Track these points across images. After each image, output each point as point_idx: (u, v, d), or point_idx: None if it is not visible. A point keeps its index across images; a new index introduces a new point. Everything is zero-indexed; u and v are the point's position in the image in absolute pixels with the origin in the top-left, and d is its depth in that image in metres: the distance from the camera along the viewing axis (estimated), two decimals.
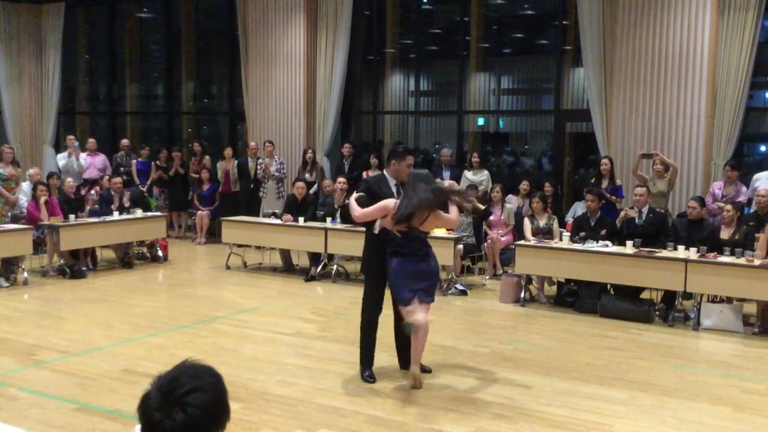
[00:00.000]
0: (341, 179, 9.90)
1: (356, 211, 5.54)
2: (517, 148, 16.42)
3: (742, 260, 7.23)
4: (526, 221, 9.01)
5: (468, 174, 10.81)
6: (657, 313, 7.79)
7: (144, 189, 12.34)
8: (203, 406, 1.76)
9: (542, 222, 8.94)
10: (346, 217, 5.77)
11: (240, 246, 10.50)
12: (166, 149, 13.18)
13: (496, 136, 16.54)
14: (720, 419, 5.00)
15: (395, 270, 5.48)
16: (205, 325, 7.27)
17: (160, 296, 8.91)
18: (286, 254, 10.20)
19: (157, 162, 12.79)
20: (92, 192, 11.20)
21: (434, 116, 15.71)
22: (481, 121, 14.85)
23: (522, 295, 8.37)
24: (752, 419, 5.01)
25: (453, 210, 5.57)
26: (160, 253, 10.60)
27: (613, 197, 9.26)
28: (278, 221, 9.90)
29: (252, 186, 11.86)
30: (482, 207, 9.69)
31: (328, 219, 9.58)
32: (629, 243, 7.92)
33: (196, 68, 15.84)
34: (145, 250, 10.84)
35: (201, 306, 8.15)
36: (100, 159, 12.66)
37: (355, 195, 5.79)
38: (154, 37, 16.80)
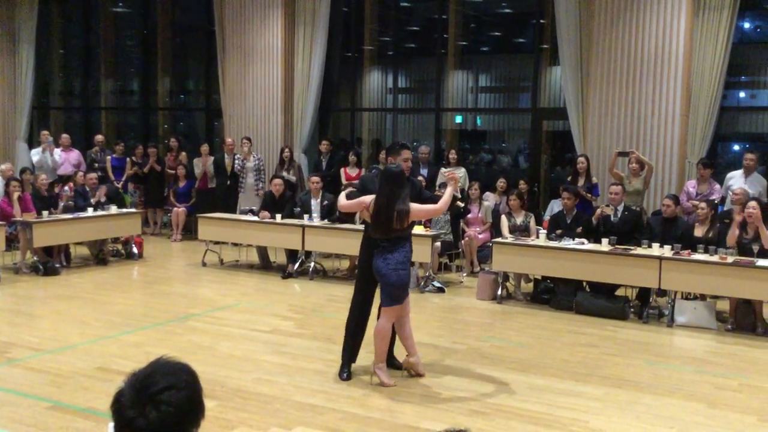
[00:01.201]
0: (315, 178, 9.87)
1: (341, 200, 5.74)
2: (495, 146, 16.49)
3: (715, 258, 7.32)
4: (504, 219, 9.04)
5: (444, 171, 10.81)
6: (632, 310, 7.86)
7: (119, 185, 12.21)
8: (177, 404, 1.74)
9: (519, 219, 8.98)
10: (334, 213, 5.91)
11: (216, 243, 10.43)
12: (141, 145, 13.06)
13: (474, 133, 16.59)
14: (693, 415, 5.05)
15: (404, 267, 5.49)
16: (180, 323, 7.21)
17: (135, 293, 8.83)
18: (263, 251, 10.15)
19: (133, 158, 12.67)
20: (66, 188, 11.06)
21: (412, 114, 15.72)
22: (458, 119, 14.89)
23: (499, 292, 8.41)
24: (725, 415, 5.07)
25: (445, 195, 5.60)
26: (135, 250, 10.49)
27: (589, 195, 9.33)
28: (255, 218, 9.84)
29: (228, 183, 11.78)
30: (461, 205, 9.70)
31: (306, 216, 9.55)
32: (605, 240, 7.98)
33: (173, 64, 15.70)
34: (119, 246, 10.72)
35: (176, 303, 8.08)
36: (75, 155, 12.51)
37: (348, 189, 5.98)
38: (130, 32, 16.61)
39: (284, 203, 9.92)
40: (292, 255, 9.63)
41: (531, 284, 8.85)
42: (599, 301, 7.87)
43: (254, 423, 4.75)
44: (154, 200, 12.69)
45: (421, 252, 8.29)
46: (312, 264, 9.56)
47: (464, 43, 14.37)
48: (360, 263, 5.86)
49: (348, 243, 9.18)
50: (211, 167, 12.08)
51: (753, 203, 7.55)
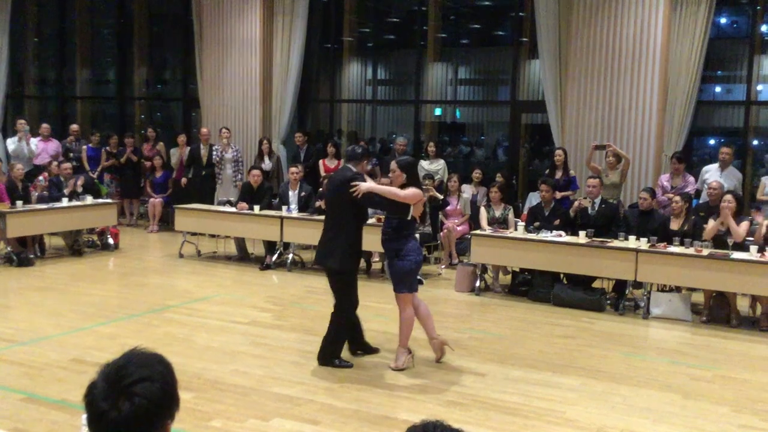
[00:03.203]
0: (294, 169, 9.82)
1: (402, 193, 5.58)
2: (474, 139, 16.52)
3: (690, 250, 7.39)
4: (482, 211, 9.07)
5: (424, 163, 10.83)
6: (608, 301, 7.93)
7: (94, 176, 12.07)
8: (151, 396, 1.71)
9: (498, 212, 9.01)
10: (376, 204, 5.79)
11: (194, 234, 10.35)
12: (117, 135, 12.91)
13: (453, 126, 16.61)
14: (668, 405, 5.10)
15: (417, 253, 5.64)
16: (157, 314, 7.15)
17: (111, 285, 8.74)
18: (241, 243, 10.09)
19: (108, 148, 12.53)
20: (41, 178, 10.90)
21: (391, 105, 15.69)
22: (438, 111, 14.89)
23: (477, 284, 8.44)
24: (699, 405, 5.13)
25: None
26: (110, 240, 10.39)
27: (567, 192, 9.36)
28: (233, 209, 9.78)
29: (204, 173, 11.69)
30: (440, 196, 9.73)
31: (284, 207, 9.51)
32: (582, 233, 8.03)
33: (149, 53, 15.52)
34: (95, 237, 10.61)
35: (153, 295, 8.01)
36: (54, 145, 12.31)
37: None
38: (106, 20, 16.40)
39: (262, 194, 9.86)
40: (270, 246, 9.58)
41: (509, 276, 8.89)
42: (576, 293, 7.92)
43: (231, 415, 4.73)
44: (131, 191, 12.57)
45: None
46: (290, 255, 9.52)
47: (444, 35, 14.36)
48: (352, 258, 5.84)
49: None
50: (187, 157, 11.98)
51: (728, 197, 7.63)
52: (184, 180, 11.78)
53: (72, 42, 15.90)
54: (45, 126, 12.46)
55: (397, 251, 5.57)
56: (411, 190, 5.55)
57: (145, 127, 13.76)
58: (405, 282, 5.60)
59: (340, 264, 5.68)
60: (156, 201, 11.98)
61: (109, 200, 10.94)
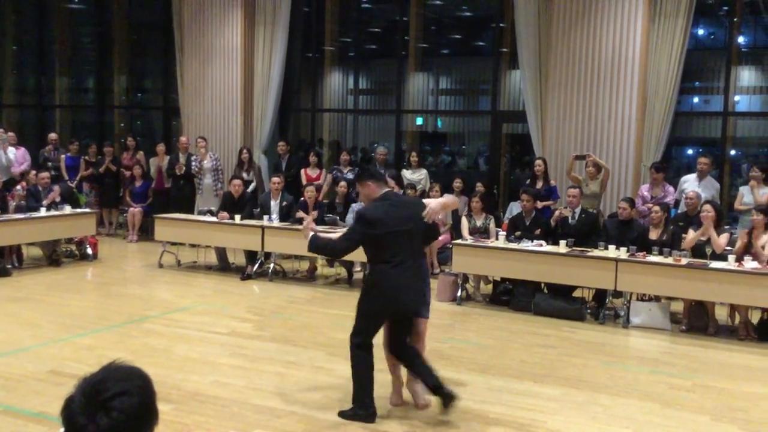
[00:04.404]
0: (275, 179, 9.79)
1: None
2: (455, 148, 16.58)
3: (669, 260, 7.45)
4: (464, 220, 9.09)
5: (406, 173, 10.85)
6: (588, 311, 7.96)
7: (73, 185, 11.96)
8: (129, 411, 1.70)
9: (479, 221, 9.03)
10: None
11: (174, 244, 10.28)
12: (96, 144, 12.81)
13: (435, 135, 16.67)
14: (648, 415, 5.13)
15: None
16: (136, 325, 7.08)
17: (89, 295, 8.65)
18: (221, 252, 10.03)
19: (86, 157, 12.42)
20: (18, 187, 10.78)
21: (373, 115, 15.71)
22: (419, 121, 14.93)
23: (459, 293, 8.44)
24: (679, 415, 5.16)
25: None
26: (89, 250, 10.28)
27: (548, 202, 9.40)
28: (214, 219, 9.73)
29: (182, 183, 11.61)
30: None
31: (265, 217, 9.47)
32: (563, 242, 8.07)
33: (129, 61, 15.44)
34: (73, 247, 10.50)
35: (132, 305, 7.93)
36: (20, 153, 12.11)
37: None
38: (85, 28, 16.30)
39: (243, 204, 9.82)
40: (251, 256, 9.53)
41: (490, 286, 8.90)
42: (557, 302, 7.95)
43: (211, 427, 4.69)
44: (110, 200, 12.46)
45: None
46: (272, 265, 9.48)
47: (425, 45, 14.42)
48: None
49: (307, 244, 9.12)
50: (166, 167, 11.91)
51: (707, 206, 7.71)
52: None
53: (51, 50, 15.78)
54: (10, 134, 12.19)
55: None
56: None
57: (125, 136, 13.66)
58: None
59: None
60: (135, 210, 11.89)
61: (87, 210, 10.83)
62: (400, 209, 4.85)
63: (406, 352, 4.94)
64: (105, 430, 1.67)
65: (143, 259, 10.54)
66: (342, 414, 4.86)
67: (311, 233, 4.92)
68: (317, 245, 4.92)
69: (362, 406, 4.83)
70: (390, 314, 4.85)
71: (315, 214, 9.11)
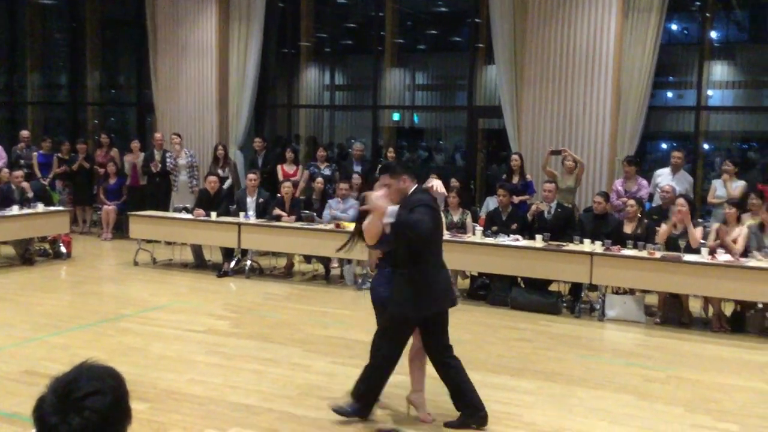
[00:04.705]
0: (251, 176, 9.74)
1: None
2: (432, 143, 16.60)
3: (644, 253, 7.52)
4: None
5: None
6: (564, 304, 8.03)
7: (46, 182, 11.81)
8: (101, 410, 1.68)
9: (456, 217, 9.05)
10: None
11: (149, 241, 10.19)
12: (69, 141, 12.66)
13: (411, 131, 16.68)
14: (623, 407, 5.18)
15: None
16: (111, 324, 7.01)
17: (63, 294, 8.55)
18: (197, 250, 9.96)
19: (59, 154, 12.27)
20: None
21: (349, 111, 15.69)
22: (396, 117, 14.93)
23: None
24: (654, 406, 5.21)
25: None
26: (63, 249, 10.16)
27: (524, 197, 9.45)
28: (189, 216, 9.65)
29: (157, 180, 11.51)
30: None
31: (242, 213, 9.42)
32: (539, 237, 8.12)
33: (102, 57, 15.25)
34: (47, 246, 10.36)
35: (107, 304, 7.86)
36: None
37: None
38: (58, 24, 16.07)
39: (219, 201, 9.76)
40: (227, 253, 9.49)
41: (467, 280, 8.94)
42: (533, 296, 8.01)
43: (188, 425, 4.65)
44: (83, 198, 12.32)
45: (359, 249, 8.25)
46: (248, 262, 9.43)
47: (401, 40, 14.41)
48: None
49: (285, 241, 9.11)
50: (141, 164, 11.80)
51: (681, 200, 7.80)
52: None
53: (23, 46, 15.54)
54: None
55: None
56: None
57: (99, 133, 13.51)
58: None
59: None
60: (109, 208, 11.77)
61: (61, 208, 10.72)
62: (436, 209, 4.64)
63: (452, 356, 4.79)
64: (77, 429, 1.65)
65: (118, 257, 10.43)
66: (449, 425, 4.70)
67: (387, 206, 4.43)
68: (403, 219, 4.39)
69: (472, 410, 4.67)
70: (437, 313, 4.67)
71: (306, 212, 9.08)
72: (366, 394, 4.75)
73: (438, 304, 4.65)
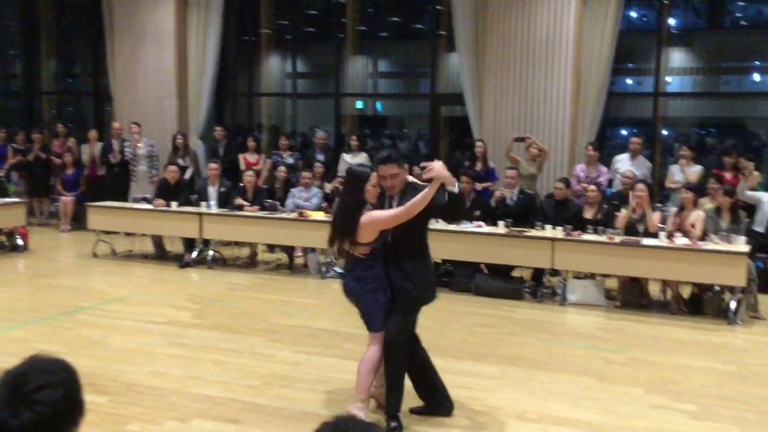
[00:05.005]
0: (213, 165, 9.63)
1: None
2: (395, 131, 16.60)
3: (603, 238, 7.62)
4: None
5: (346, 157, 10.79)
6: (527, 290, 8.10)
7: (1, 174, 11.54)
8: (53, 404, 1.66)
9: None
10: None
11: (108, 233, 10.02)
12: (24, 131, 12.37)
13: (374, 119, 16.65)
14: (584, 389, 5.25)
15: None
16: (69, 317, 6.89)
17: (20, 287, 8.37)
18: (158, 240, 9.83)
19: (14, 145, 11.99)
20: None
21: (312, 99, 15.59)
22: (359, 104, 14.89)
23: None
24: (614, 388, 5.30)
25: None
26: (19, 241, 9.94)
27: (487, 183, 9.49)
28: (149, 206, 9.51)
29: (116, 170, 11.32)
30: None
31: (203, 203, 9.31)
32: (501, 223, 8.18)
33: (58, 46, 14.91)
34: (3, 238, 10.13)
35: (65, 297, 7.72)
36: None
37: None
38: (10, 11, 15.66)
39: (180, 190, 9.63)
40: (189, 244, 9.38)
41: None
42: (496, 282, 8.07)
43: (149, 417, 4.60)
44: (40, 189, 12.05)
45: (322, 238, 8.23)
46: (211, 252, 9.34)
47: (363, 28, 14.35)
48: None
49: (247, 230, 9.04)
50: (99, 154, 11.59)
51: (641, 185, 7.91)
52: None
53: None
54: None
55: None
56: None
57: (55, 122, 13.23)
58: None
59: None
60: (67, 199, 11.54)
61: (17, 199, 10.48)
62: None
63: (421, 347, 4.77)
64: (28, 424, 1.64)
65: (77, 249, 10.25)
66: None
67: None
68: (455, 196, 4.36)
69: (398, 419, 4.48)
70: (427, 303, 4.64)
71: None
72: (398, 403, 4.51)
73: (432, 291, 4.68)
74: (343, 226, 4.39)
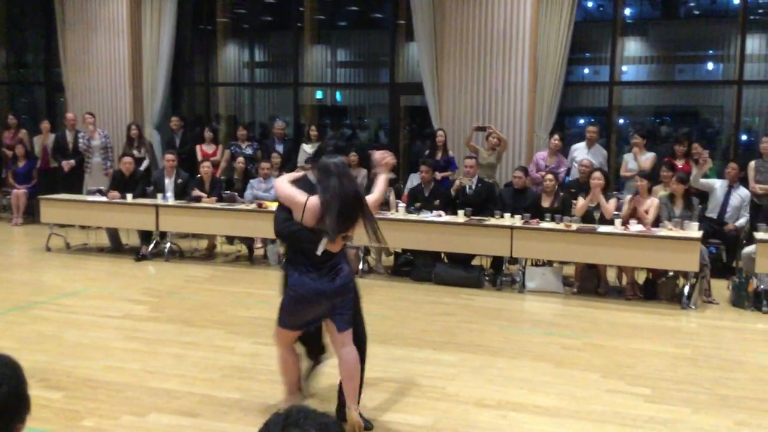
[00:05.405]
0: (169, 156, 9.49)
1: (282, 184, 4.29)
2: (356, 121, 16.53)
3: (561, 226, 7.71)
4: None
5: (306, 147, 10.72)
6: (487, 278, 8.16)
7: None
8: None
9: None
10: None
11: (62, 226, 9.81)
12: None
13: (334, 109, 16.55)
14: (542, 375, 5.31)
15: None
16: (22, 312, 6.74)
17: None
18: (113, 233, 9.66)
19: None
20: None
21: (270, 89, 15.43)
22: (319, 94, 14.78)
23: (360, 266, 8.46)
24: (570, 373, 5.37)
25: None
26: None
27: (447, 173, 9.52)
28: (104, 199, 9.34)
29: (73, 161, 11.08)
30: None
31: (159, 195, 9.17)
32: (461, 212, 8.21)
33: (7, 35, 14.50)
34: None
35: (18, 291, 7.54)
36: None
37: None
38: None
39: (135, 182, 9.47)
40: (145, 236, 9.23)
41: (392, 257, 8.97)
42: (456, 271, 8.11)
43: (104, 412, 4.52)
44: None
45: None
46: (168, 245, 9.21)
47: (321, 17, 14.24)
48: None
49: (206, 222, 8.93)
50: (51, 145, 11.34)
51: (597, 173, 8.01)
52: (70, 162, 11.00)
53: None
54: None
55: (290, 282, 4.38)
56: (288, 190, 4.23)
57: (6, 113, 12.88)
58: (281, 317, 4.41)
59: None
60: (19, 192, 11.28)
61: None
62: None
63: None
64: None
65: (29, 243, 10.03)
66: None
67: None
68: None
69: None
70: None
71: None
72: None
73: None
74: (360, 215, 4.14)
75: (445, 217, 8.26)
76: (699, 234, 7.36)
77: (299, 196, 4.13)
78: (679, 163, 8.87)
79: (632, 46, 14.29)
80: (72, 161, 10.96)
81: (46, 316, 6.61)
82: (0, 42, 14.32)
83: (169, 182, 9.34)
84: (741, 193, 8.41)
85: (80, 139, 11.02)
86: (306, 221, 4.11)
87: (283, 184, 4.24)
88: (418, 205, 8.58)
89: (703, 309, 7.35)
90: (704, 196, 8.55)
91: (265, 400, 4.75)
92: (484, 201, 8.59)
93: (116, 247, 9.64)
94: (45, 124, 11.65)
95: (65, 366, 5.25)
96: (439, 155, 9.65)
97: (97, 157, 11.04)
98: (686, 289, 7.33)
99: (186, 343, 5.88)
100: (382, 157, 4.49)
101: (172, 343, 5.89)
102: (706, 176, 8.65)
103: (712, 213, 8.45)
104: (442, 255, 8.42)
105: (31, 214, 11.21)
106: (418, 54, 10.85)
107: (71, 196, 9.83)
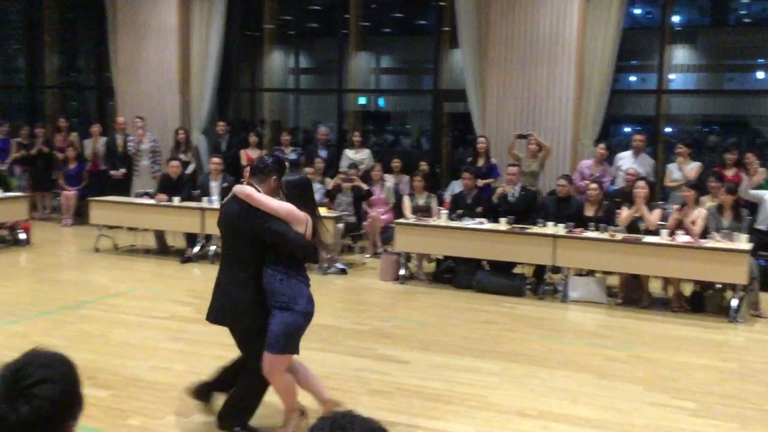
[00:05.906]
0: (215, 160, 9.64)
1: (272, 203, 4.16)
2: (398, 127, 16.59)
3: (605, 235, 7.61)
4: (406, 199, 9.12)
5: (349, 153, 10.81)
6: (528, 286, 8.10)
7: (4, 168, 11.56)
8: (51, 398, 1.66)
9: (421, 200, 9.07)
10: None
11: (111, 227, 10.03)
12: (27, 125, 12.39)
13: (377, 115, 16.64)
14: (584, 386, 5.25)
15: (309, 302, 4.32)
16: (71, 311, 6.91)
17: (22, 281, 8.39)
18: (160, 235, 9.84)
19: (18, 139, 12.01)
20: None
21: (314, 95, 15.58)
22: (362, 100, 14.87)
23: (401, 272, 8.47)
24: (613, 385, 5.30)
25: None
26: (22, 236, 9.95)
27: (489, 180, 9.49)
28: (152, 201, 9.52)
29: (121, 165, 11.33)
30: (365, 187, 9.75)
31: (205, 198, 9.32)
32: (503, 220, 8.17)
33: (61, 40, 14.91)
34: (5, 233, 10.15)
35: (67, 291, 7.73)
36: None
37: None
38: (13, 5, 15.66)
39: (182, 185, 9.64)
40: (191, 239, 9.38)
41: (433, 264, 8.97)
42: (498, 279, 8.06)
43: (150, 412, 4.61)
44: (43, 183, 12.08)
45: (324, 233, 8.24)
46: (213, 247, 9.34)
47: (366, 23, 14.33)
48: (258, 305, 4.27)
49: None
50: (102, 148, 11.61)
51: (641, 183, 7.91)
52: (121, 172, 11.28)
53: None
54: None
55: (291, 298, 4.19)
56: (286, 205, 4.15)
57: (58, 116, 13.25)
58: (289, 340, 4.21)
59: (252, 322, 4.28)
60: (69, 194, 11.56)
61: (19, 194, 10.49)
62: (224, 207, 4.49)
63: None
64: (26, 417, 1.63)
65: (78, 244, 10.27)
66: None
67: None
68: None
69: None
70: None
71: None
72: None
73: None
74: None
75: (488, 225, 8.23)
76: (748, 246, 7.20)
77: (297, 210, 4.16)
78: (729, 173, 8.70)
79: (680, 54, 14.08)
80: (122, 170, 11.20)
81: (94, 316, 6.76)
82: (53, 47, 14.72)
83: (214, 186, 9.48)
84: None
85: (129, 142, 11.27)
86: (307, 234, 4.19)
87: (276, 201, 4.19)
88: (460, 212, 8.56)
89: (752, 323, 7.18)
90: (753, 207, 8.36)
91: (306, 404, 4.78)
92: (527, 209, 8.54)
93: (162, 249, 9.82)
94: (95, 128, 11.93)
95: (112, 365, 5.37)
96: (481, 162, 9.63)
97: (146, 161, 11.27)
98: (734, 302, 7.17)
99: (229, 345, 5.90)
100: None
101: (216, 345, 5.96)
102: (758, 187, 8.47)
103: (761, 225, 8.26)
104: (484, 263, 8.38)
105: (81, 216, 11.48)
106: (462, 61, 10.84)
107: (120, 199, 10.05)
